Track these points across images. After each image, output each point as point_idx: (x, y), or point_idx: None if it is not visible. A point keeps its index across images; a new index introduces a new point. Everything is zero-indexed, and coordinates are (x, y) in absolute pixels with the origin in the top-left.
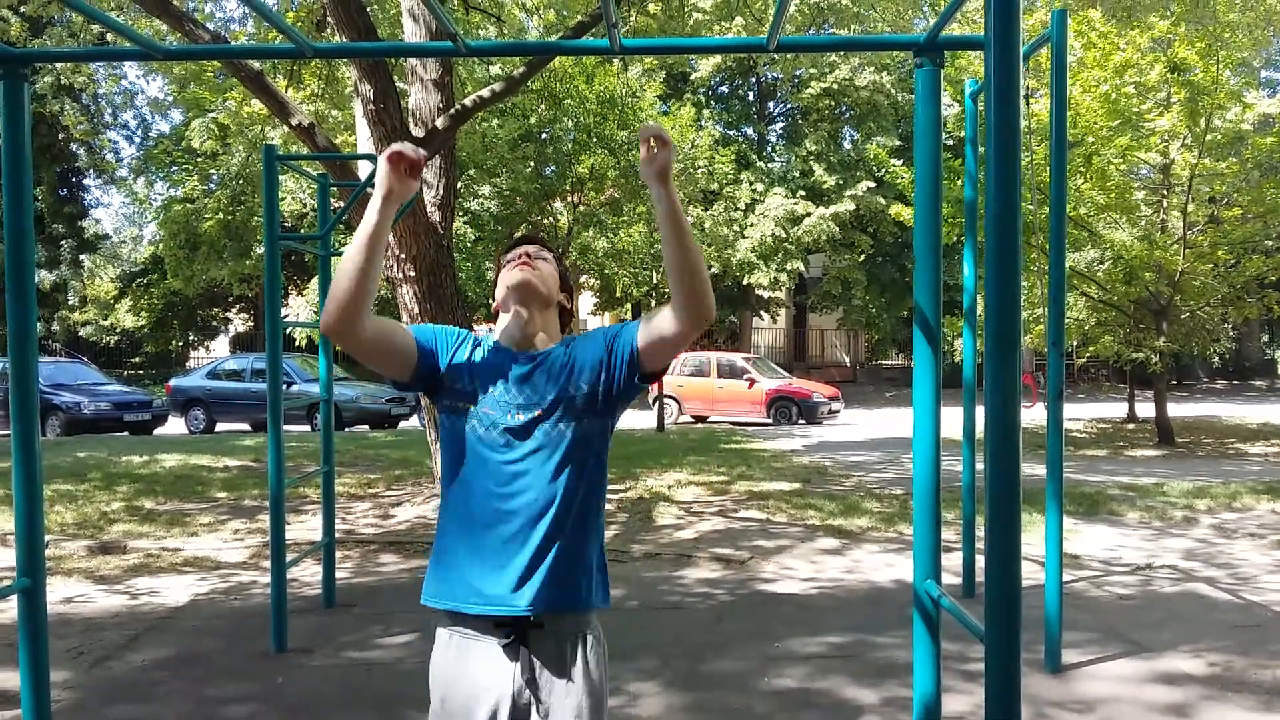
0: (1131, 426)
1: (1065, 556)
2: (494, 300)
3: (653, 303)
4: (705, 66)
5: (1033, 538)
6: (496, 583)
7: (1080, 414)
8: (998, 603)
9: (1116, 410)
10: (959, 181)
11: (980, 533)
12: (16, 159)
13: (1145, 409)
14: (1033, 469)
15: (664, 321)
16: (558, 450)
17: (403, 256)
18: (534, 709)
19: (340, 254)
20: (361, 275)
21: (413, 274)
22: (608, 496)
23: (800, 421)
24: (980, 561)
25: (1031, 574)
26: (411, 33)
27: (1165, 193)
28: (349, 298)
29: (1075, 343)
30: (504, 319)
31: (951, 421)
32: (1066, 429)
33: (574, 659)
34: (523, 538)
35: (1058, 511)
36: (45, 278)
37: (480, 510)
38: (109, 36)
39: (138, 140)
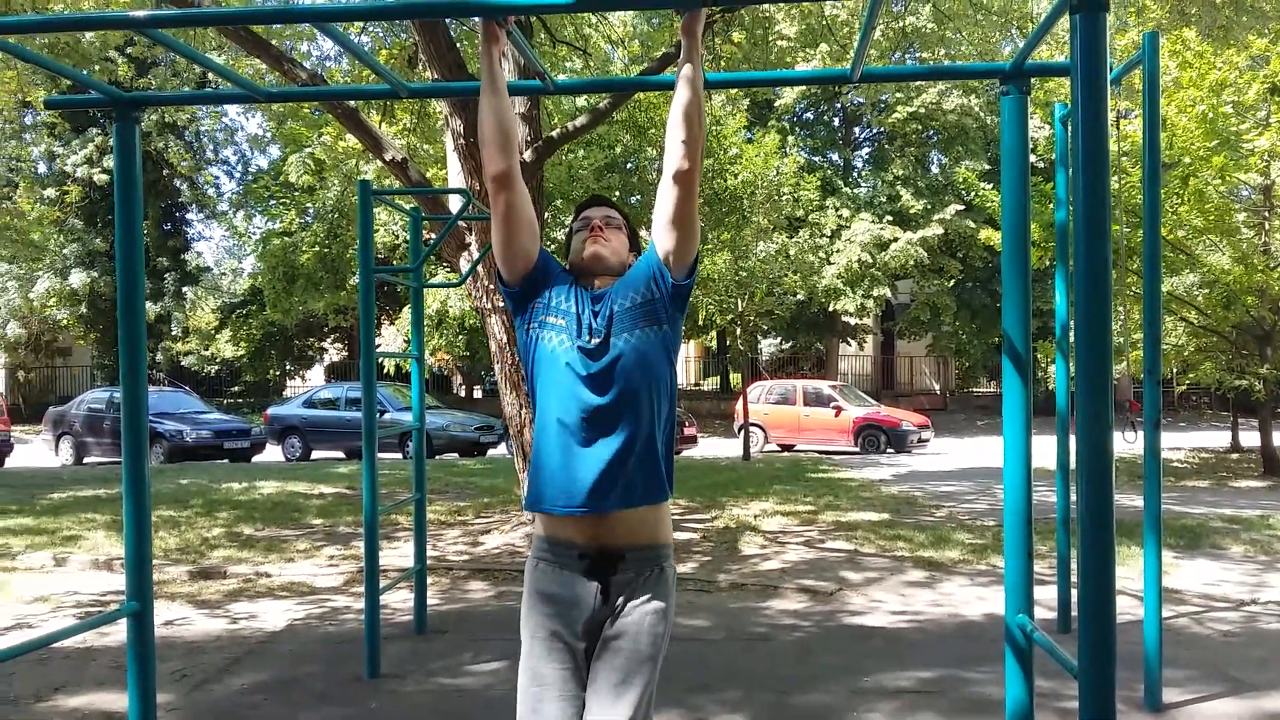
0: (1235, 456)
1: (1165, 591)
2: (566, 260)
3: (738, 330)
4: (789, 94)
5: (1131, 571)
6: (578, 485)
7: (1181, 443)
8: (1092, 638)
9: (1219, 439)
10: (1050, 205)
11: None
12: (128, 197)
13: (1250, 438)
14: (1131, 500)
15: (666, 197)
16: (628, 359)
17: (492, 287)
18: (608, 619)
19: (431, 285)
20: (497, 112)
21: (501, 305)
22: (693, 522)
23: (889, 450)
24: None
25: (1130, 609)
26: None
27: (1267, 214)
28: (498, 132)
29: (1174, 370)
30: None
31: (1045, 451)
32: (1166, 459)
33: (646, 582)
34: (599, 442)
35: (1156, 544)
36: (150, 309)
37: (561, 421)
38: (210, 76)
39: (237, 175)
